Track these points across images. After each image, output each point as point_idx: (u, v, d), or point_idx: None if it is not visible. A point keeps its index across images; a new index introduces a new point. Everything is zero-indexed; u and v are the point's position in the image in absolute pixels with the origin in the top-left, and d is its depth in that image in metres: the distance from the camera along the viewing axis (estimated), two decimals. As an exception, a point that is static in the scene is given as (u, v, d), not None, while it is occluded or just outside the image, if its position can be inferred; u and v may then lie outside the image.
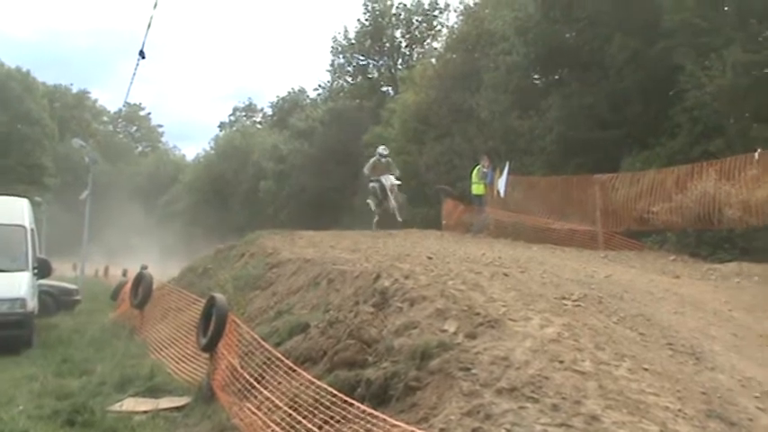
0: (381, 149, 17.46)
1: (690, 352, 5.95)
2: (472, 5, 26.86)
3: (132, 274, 14.48)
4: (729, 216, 12.01)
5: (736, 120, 15.41)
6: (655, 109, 17.13)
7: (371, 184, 17.20)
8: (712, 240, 13.27)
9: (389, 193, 16.60)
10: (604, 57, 18.39)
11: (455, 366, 5.35)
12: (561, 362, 5.28)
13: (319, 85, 50.53)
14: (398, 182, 17.01)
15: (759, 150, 12.18)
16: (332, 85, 46.02)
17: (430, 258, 9.16)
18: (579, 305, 6.84)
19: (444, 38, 32.53)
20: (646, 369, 5.36)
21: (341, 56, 43.65)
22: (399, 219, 16.58)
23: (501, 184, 17.07)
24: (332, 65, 44.73)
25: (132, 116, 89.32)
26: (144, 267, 15.18)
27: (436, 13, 42.01)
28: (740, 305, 8.02)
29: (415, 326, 6.21)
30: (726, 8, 16.41)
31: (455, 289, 6.92)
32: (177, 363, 9.44)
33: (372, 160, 17.44)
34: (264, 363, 6.95)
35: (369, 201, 17.64)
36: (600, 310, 6.81)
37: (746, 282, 9.58)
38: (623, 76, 17.90)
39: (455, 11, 32.86)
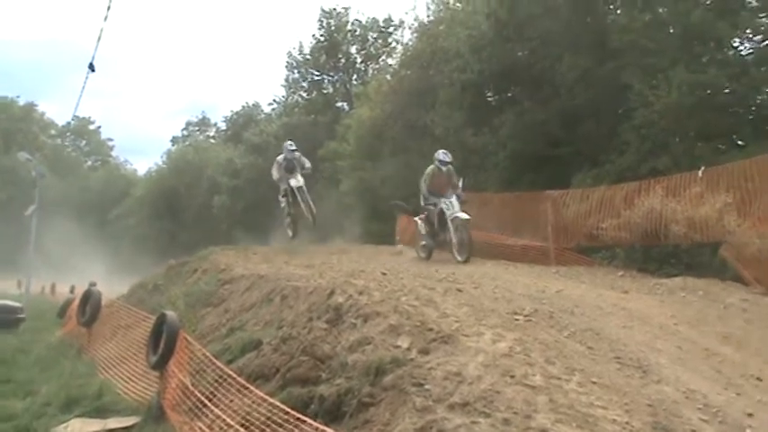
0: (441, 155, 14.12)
1: (637, 365, 6.08)
2: (426, 23, 27.10)
3: (80, 291, 14.18)
4: (675, 232, 12.29)
5: (682, 138, 15.81)
6: (605, 127, 17.49)
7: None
8: (659, 256, 13.58)
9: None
10: (556, 75, 18.74)
11: (408, 382, 5.38)
12: (513, 376, 5.36)
13: (274, 100, 50.40)
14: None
15: (703, 168, 12.53)
16: (287, 99, 45.97)
17: (384, 274, 9.19)
18: (531, 320, 6.93)
19: (399, 54, 32.75)
20: (594, 382, 5.46)
21: (296, 71, 43.67)
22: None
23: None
24: (287, 80, 44.70)
25: (82, 130, 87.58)
26: (92, 284, 14.90)
27: (391, 29, 42.37)
28: (685, 319, 8.22)
29: (368, 342, 6.22)
30: (671, 30, 16.88)
31: (409, 305, 6.97)
32: (126, 382, 9.25)
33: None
34: (216, 380, 6.88)
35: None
36: (551, 325, 6.91)
37: (691, 296, 9.81)
38: (574, 94, 18.25)
39: (410, 28, 33.15)
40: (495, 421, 4.72)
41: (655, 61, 16.00)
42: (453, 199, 13.42)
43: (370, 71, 41.60)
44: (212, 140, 66.27)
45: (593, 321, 7.34)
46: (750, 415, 5.46)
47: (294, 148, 16.41)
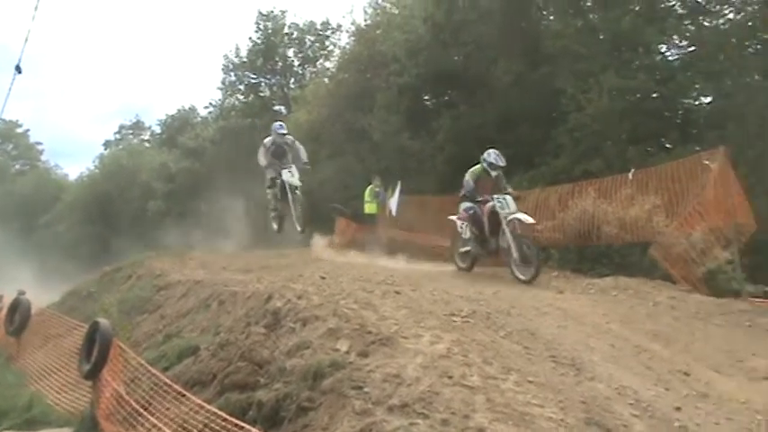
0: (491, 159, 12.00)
1: (571, 363, 6.22)
2: (364, 26, 27.14)
3: (8, 300, 13.74)
4: (607, 233, 12.62)
5: (613, 141, 16.25)
6: (540, 130, 17.83)
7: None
8: (592, 256, 13.90)
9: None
10: (491, 79, 19.04)
11: (347, 385, 5.39)
12: (451, 377, 5.42)
13: (210, 103, 49.61)
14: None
15: (633, 170, 12.91)
16: (223, 103, 45.29)
17: (323, 278, 9.17)
18: (468, 321, 7.02)
19: (337, 58, 32.70)
20: (531, 381, 5.56)
21: (232, 74, 43.09)
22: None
23: (393, 203, 17.34)
24: (223, 83, 44.06)
25: (8, 133, 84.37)
26: (21, 292, 14.45)
27: (329, 33, 42.24)
28: (617, 318, 8.44)
29: (307, 346, 6.21)
30: (602, 36, 17.35)
31: (347, 308, 6.97)
32: (58, 392, 9.01)
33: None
34: (152, 389, 6.76)
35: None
36: (488, 326, 7.01)
37: (622, 295, 10.08)
38: (509, 98, 18.55)
39: (347, 31, 32.95)
40: (433, 422, 4.77)
41: (587, 66, 16.43)
42: (508, 197, 11.37)
43: (308, 74, 41.40)
44: (146, 144, 64.83)
45: (529, 321, 7.47)
46: (678, 409, 5.65)
47: (285, 131, 14.29)
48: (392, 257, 15.01)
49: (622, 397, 5.65)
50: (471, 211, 11.76)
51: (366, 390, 5.28)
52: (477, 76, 19.47)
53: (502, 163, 11.85)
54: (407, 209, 17.49)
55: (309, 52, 42.26)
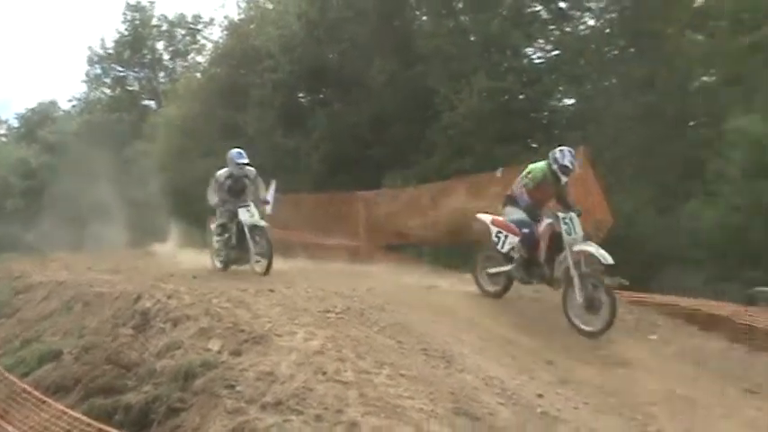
0: None
1: (442, 356, 6.40)
2: (237, 21, 26.70)
3: None
4: (476, 229, 13.01)
5: (484, 141, 16.81)
6: (414, 129, 18.17)
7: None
8: (464, 252, 14.32)
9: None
10: (366, 78, 19.21)
11: (220, 385, 5.35)
12: (325, 373, 5.47)
13: (74, 97, 47.39)
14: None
15: (501, 168, 13.39)
16: (88, 96, 43.32)
17: (194, 277, 8.99)
18: (342, 317, 7.08)
19: (209, 52, 31.97)
20: (403, 375, 5.69)
21: (97, 66, 41.31)
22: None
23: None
24: (87, 75, 42.16)
25: None
26: None
27: (200, 26, 41.24)
28: (486, 311, 8.74)
29: (178, 346, 6.11)
30: (472, 38, 17.91)
31: (220, 307, 6.90)
32: None
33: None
34: (9, 396, 6.40)
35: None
36: (362, 322, 7.11)
37: (492, 290, 10.42)
38: (384, 97, 18.79)
39: (220, 25, 32.31)
40: (307, 418, 4.82)
41: (458, 67, 16.92)
42: (575, 216, 8.57)
43: (179, 68, 40.26)
44: (3, 139, 61.01)
45: (403, 317, 7.61)
46: (540, 396, 5.94)
47: (245, 160, 11.38)
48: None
49: (489, 387, 5.87)
50: (526, 230, 8.83)
51: (239, 389, 5.25)
52: (351, 74, 19.60)
53: (577, 167, 9.09)
54: (282, 207, 17.36)
55: (180, 46, 41.08)
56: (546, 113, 17.74)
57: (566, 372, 6.88)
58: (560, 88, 17.51)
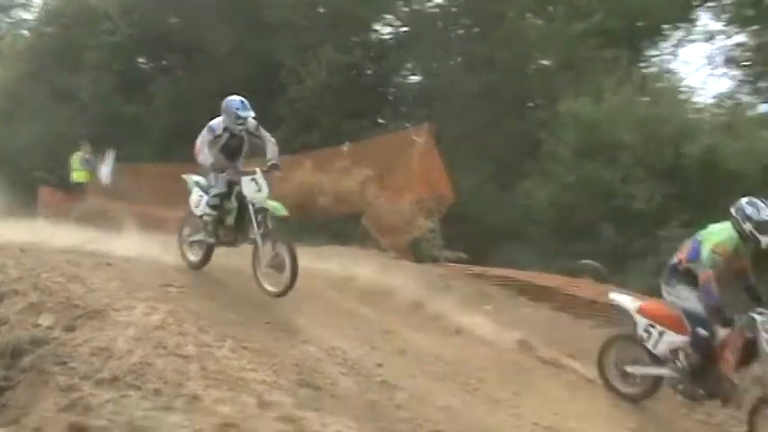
0: None
1: (286, 328, 6.45)
2: (68, -23, 24.94)
3: None
4: (324, 204, 13.07)
5: (331, 115, 16.85)
6: (261, 100, 17.76)
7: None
8: (310, 227, 14.33)
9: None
10: (210, 46, 18.64)
11: (51, 362, 5.10)
12: (165, 347, 5.35)
13: None
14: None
15: (348, 143, 13.50)
16: None
17: (23, 251, 8.40)
18: (183, 292, 6.92)
19: (37, 9, 29.67)
20: (246, 347, 5.67)
21: None
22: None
23: (105, 171, 16.40)
24: None
25: None
26: None
27: (28, -19, 38.22)
28: (330, 284, 8.86)
29: (4, 322, 5.75)
30: (321, 10, 17.84)
31: (51, 281, 6.53)
32: None
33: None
34: None
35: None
36: (205, 296, 6.97)
37: (335, 263, 10.55)
38: (229, 66, 18.31)
39: (48, -21, 30.11)
40: (145, 393, 4.72)
41: (306, 39, 16.80)
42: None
43: (2, 25, 37.12)
44: None
45: (247, 290, 7.53)
46: (380, 365, 6.15)
47: (247, 114, 8.24)
48: (106, 229, 14.17)
49: (332, 357, 5.98)
50: (703, 335, 6.19)
51: (72, 365, 5.03)
52: (195, 41, 18.96)
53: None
54: (122, 178, 16.59)
55: (4, 1, 37.87)
56: (393, 90, 18.04)
57: (405, 342, 7.13)
58: (408, 65, 17.84)
